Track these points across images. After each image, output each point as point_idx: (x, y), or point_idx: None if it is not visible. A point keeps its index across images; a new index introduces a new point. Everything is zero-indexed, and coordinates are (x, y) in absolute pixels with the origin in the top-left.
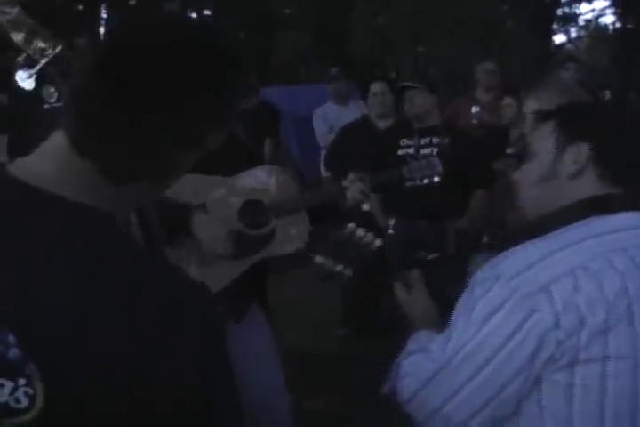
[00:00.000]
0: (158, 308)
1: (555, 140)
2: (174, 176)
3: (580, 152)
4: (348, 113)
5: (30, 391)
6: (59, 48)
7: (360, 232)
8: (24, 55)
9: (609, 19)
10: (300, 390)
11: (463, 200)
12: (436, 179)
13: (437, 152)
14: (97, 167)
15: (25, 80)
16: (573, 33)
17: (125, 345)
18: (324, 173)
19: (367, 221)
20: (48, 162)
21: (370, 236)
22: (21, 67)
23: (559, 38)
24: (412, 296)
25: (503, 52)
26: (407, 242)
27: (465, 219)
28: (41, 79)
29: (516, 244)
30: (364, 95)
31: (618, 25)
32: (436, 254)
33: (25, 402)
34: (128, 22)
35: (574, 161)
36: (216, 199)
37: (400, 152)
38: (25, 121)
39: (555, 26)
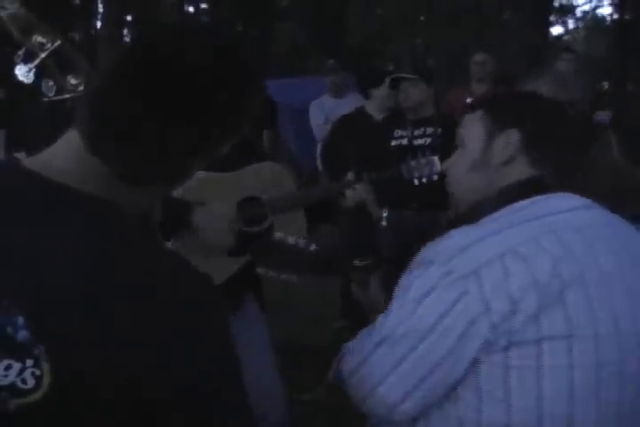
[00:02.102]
0: (167, 293)
1: (484, 129)
2: (185, 179)
3: (509, 138)
4: (345, 105)
5: (37, 372)
6: (58, 42)
7: (290, 240)
8: (23, 49)
9: (606, 10)
10: (297, 381)
11: None
12: (435, 178)
13: (430, 142)
14: (110, 170)
15: (24, 74)
16: (571, 24)
17: (134, 329)
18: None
19: (360, 212)
20: (64, 158)
21: (301, 242)
22: (21, 61)
23: (557, 29)
24: (365, 292)
25: (501, 43)
26: (400, 233)
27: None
28: (40, 73)
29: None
30: (361, 88)
31: (615, 16)
32: (366, 262)
33: (32, 383)
34: (152, 27)
35: (505, 148)
36: (214, 195)
37: (394, 143)
38: (24, 116)
39: (552, 17)
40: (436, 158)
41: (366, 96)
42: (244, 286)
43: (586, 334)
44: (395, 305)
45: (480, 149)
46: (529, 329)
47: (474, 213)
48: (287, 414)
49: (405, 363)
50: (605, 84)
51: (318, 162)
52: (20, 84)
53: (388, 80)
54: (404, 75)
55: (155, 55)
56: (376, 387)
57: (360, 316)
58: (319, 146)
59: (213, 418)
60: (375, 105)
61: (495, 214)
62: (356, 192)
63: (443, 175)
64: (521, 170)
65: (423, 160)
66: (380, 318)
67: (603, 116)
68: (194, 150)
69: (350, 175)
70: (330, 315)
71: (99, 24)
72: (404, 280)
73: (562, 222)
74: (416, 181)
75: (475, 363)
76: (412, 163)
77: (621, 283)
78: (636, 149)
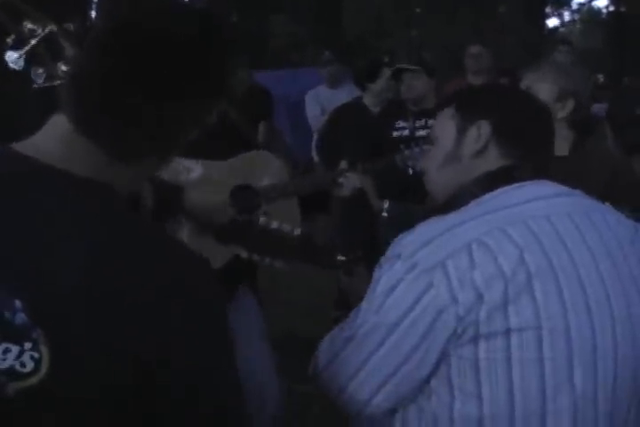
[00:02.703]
0: (167, 277)
1: (454, 123)
2: (176, 152)
3: (480, 130)
4: (341, 96)
5: (36, 355)
6: (48, 29)
7: (274, 224)
8: (12, 36)
9: (602, 2)
10: (292, 372)
11: None
12: None
13: None
14: (102, 149)
15: (14, 61)
16: (567, 17)
17: (133, 313)
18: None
19: (356, 202)
20: (53, 141)
21: (286, 226)
22: (10, 48)
23: (552, 22)
24: (351, 280)
25: (496, 36)
26: (402, 225)
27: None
28: (30, 60)
29: None
30: (358, 82)
31: (611, 9)
32: (349, 257)
33: (30, 366)
34: (132, 5)
35: (476, 139)
36: (208, 184)
37: (395, 134)
38: (14, 103)
39: (548, 9)
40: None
41: (362, 89)
42: (239, 276)
43: (556, 325)
44: (365, 300)
45: (451, 144)
46: (496, 321)
47: (448, 206)
48: (284, 405)
49: (374, 358)
50: (601, 77)
51: (314, 152)
52: (10, 70)
53: (387, 72)
54: (406, 66)
55: (140, 32)
56: (347, 383)
57: (356, 306)
58: (315, 136)
59: (207, 402)
60: (372, 98)
61: (463, 207)
62: (349, 181)
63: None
64: (491, 161)
65: (417, 150)
66: (353, 313)
67: (598, 108)
68: (184, 121)
69: (343, 164)
70: (326, 305)
71: (94, 14)
72: (374, 275)
73: (532, 211)
74: (410, 171)
75: (444, 356)
76: (406, 152)
77: (596, 271)
78: (631, 140)
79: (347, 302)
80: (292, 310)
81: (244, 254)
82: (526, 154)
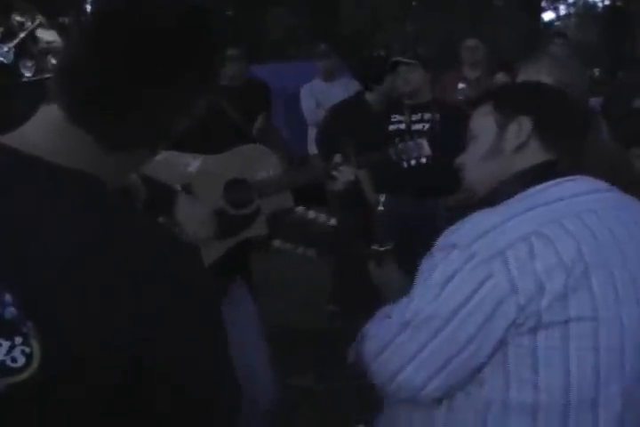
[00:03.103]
0: (158, 267)
1: (494, 119)
2: (167, 141)
3: (521, 126)
4: (336, 89)
5: (27, 350)
6: (37, 22)
7: (311, 214)
8: (1, 29)
9: None
10: (287, 366)
11: (454, 176)
12: (423, 160)
13: (428, 128)
14: (94, 138)
15: (3, 54)
16: (562, 10)
17: (124, 305)
18: (312, 150)
19: (351, 196)
20: (42, 132)
21: (322, 216)
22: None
23: (548, 16)
24: (382, 270)
25: (493, 30)
26: (398, 218)
27: (456, 195)
28: (19, 53)
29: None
30: (363, 83)
31: (607, 2)
32: (386, 247)
33: (21, 361)
34: None
35: (517, 135)
36: (201, 177)
37: (391, 128)
38: (6, 95)
39: (544, 3)
40: (424, 142)
41: (366, 88)
42: (233, 270)
43: (611, 316)
44: (418, 289)
45: (492, 139)
46: (556, 311)
47: (491, 198)
48: (277, 400)
49: (430, 346)
50: (596, 71)
51: (309, 146)
52: (1, 64)
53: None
54: (402, 59)
55: (128, 21)
56: (400, 370)
57: (350, 300)
58: (313, 131)
59: (200, 391)
60: (377, 96)
61: (510, 200)
62: (342, 174)
63: (438, 159)
64: (532, 156)
65: (411, 143)
66: (403, 301)
67: (594, 102)
68: (174, 110)
69: (337, 157)
70: (320, 299)
71: (89, 9)
72: (425, 265)
73: (581, 205)
74: (405, 164)
75: (501, 345)
76: (400, 146)
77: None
78: (628, 133)
79: (341, 297)
80: (286, 303)
81: (278, 244)
82: (565, 148)
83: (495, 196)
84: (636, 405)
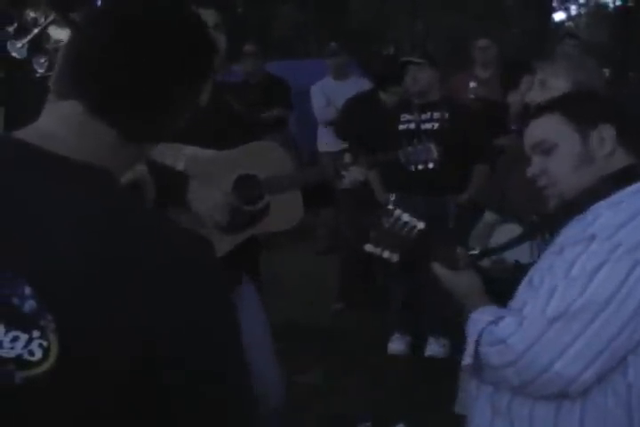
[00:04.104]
0: (172, 258)
1: (572, 129)
2: (174, 132)
3: (606, 133)
4: (347, 88)
5: (44, 344)
6: (51, 18)
7: (405, 217)
8: (15, 25)
9: None
10: (293, 363)
11: (464, 175)
12: (430, 165)
13: (438, 127)
14: (118, 131)
15: (17, 50)
16: (573, 10)
17: (140, 299)
18: (321, 148)
19: (360, 195)
20: (58, 126)
21: (414, 220)
22: (13, 37)
23: (559, 16)
24: (456, 273)
25: (503, 30)
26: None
27: (466, 194)
28: (32, 49)
29: (558, 221)
30: (379, 85)
31: (618, 3)
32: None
33: (39, 354)
34: None
35: (601, 142)
36: (212, 172)
37: (401, 127)
38: (20, 92)
39: (554, 3)
40: (432, 146)
41: (380, 88)
42: (241, 267)
43: None
44: (560, 284)
45: (579, 148)
46: None
47: (577, 201)
48: (284, 397)
49: (583, 337)
50: (606, 71)
51: (320, 144)
52: (15, 60)
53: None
54: (411, 59)
55: (152, 17)
56: (553, 362)
57: (358, 298)
58: (323, 129)
59: (214, 378)
60: (392, 96)
61: (615, 197)
62: (351, 173)
63: (448, 158)
64: (619, 159)
65: (420, 147)
66: (537, 300)
67: None
68: (185, 105)
69: (347, 157)
70: (326, 297)
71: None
72: (554, 261)
73: None
74: (412, 168)
75: None
76: (409, 149)
77: None
78: (637, 135)
79: (349, 295)
80: (293, 301)
81: (369, 248)
82: None
83: (589, 198)
84: None
